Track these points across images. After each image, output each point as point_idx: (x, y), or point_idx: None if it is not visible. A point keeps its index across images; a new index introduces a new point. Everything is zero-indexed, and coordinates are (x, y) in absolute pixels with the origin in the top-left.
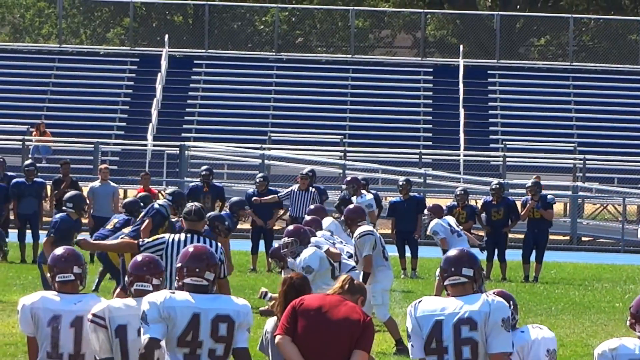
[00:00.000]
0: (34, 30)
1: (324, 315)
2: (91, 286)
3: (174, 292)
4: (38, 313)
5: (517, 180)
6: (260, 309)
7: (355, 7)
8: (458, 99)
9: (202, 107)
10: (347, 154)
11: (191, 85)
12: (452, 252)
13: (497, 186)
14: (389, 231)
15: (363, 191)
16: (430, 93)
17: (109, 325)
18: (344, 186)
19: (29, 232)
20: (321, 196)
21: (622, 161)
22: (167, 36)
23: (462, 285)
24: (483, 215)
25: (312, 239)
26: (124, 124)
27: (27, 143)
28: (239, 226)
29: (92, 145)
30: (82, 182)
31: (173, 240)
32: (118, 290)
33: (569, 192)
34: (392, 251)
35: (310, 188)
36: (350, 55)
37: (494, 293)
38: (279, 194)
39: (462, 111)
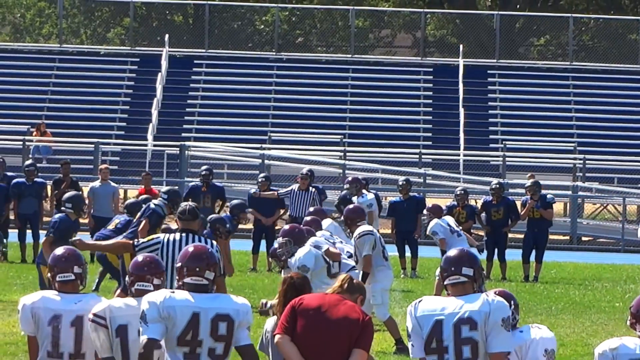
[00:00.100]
0: (35, 30)
1: (323, 315)
2: (91, 286)
3: (173, 292)
4: (38, 312)
5: (517, 180)
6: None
7: (355, 7)
8: (458, 98)
9: (202, 107)
10: (347, 154)
11: (191, 85)
12: (452, 252)
13: (497, 186)
14: (389, 231)
15: (364, 191)
16: (430, 93)
17: (110, 325)
18: (345, 186)
19: (29, 232)
20: (320, 196)
21: (622, 161)
22: (167, 36)
23: (462, 285)
24: (483, 215)
25: (312, 239)
26: (124, 124)
27: (27, 143)
28: (239, 226)
29: (93, 145)
30: (82, 182)
31: (168, 239)
32: (119, 291)
33: (569, 192)
34: (392, 251)
35: (310, 188)
36: (350, 55)
37: (495, 293)
38: (279, 192)
39: (462, 111)
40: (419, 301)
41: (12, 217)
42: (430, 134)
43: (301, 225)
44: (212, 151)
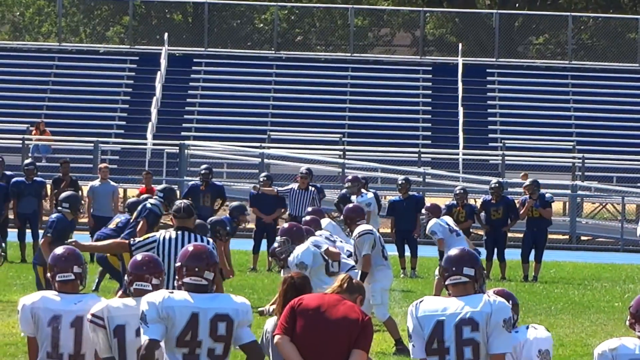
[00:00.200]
0: (34, 29)
1: (322, 315)
2: (91, 286)
3: (172, 292)
4: (38, 313)
5: (516, 179)
6: (260, 308)
7: (355, 6)
8: (457, 97)
9: (201, 105)
10: (346, 153)
11: (191, 83)
12: (453, 252)
13: (496, 185)
14: (389, 230)
15: (363, 190)
16: (429, 92)
17: (108, 325)
18: (346, 184)
19: (28, 231)
20: (319, 195)
21: (621, 160)
22: (166, 34)
23: (464, 285)
24: (482, 214)
25: (312, 239)
26: (123, 122)
27: (26, 142)
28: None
29: (92, 144)
30: (81, 181)
31: (164, 238)
32: (120, 292)
33: (568, 191)
34: (392, 250)
35: (310, 187)
36: (349, 54)
37: (494, 292)
38: (278, 189)
39: (461, 110)
40: (420, 301)
41: (11, 216)
42: (429, 133)
43: (301, 225)
44: (211, 150)
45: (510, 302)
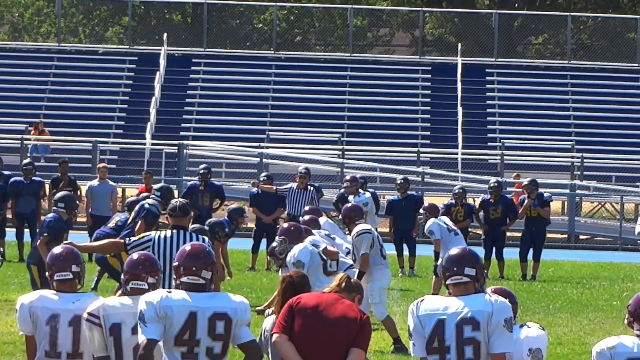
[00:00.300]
0: (33, 29)
1: (320, 314)
2: (90, 285)
3: (170, 291)
4: (36, 312)
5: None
6: (258, 308)
7: (354, 6)
8: (456, 97)
9: (200, 105)
10: (345, 152)
11: (190, 83)
12: (454, 251)
13: (495, 184)
14: (387, 229)
15: (360, 190)
16: (429, 91)
17: (103, 324)
18: (345, 184)
19: (27, 230)
20: (317, 194)
21: (620, 159)
22: (165, 35)
23: (464, 285)
24: (481, 213)
25: (310, 238)
26: (122, 122)
27: (25, 142)
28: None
29: (91, 144)
30: (80, 181)
31: (159, 237)
32: (119, 292)
33: (567, 191)
34: (390, 249)
35: (308, 186)
36: (348, 54)
37: (493, 290)
38: (277, 188)
39: (460, 109)
40: (421, 300)
41: (9, 215)
42: (428, 133)
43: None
44: (210, 150)
45: (509, 300)
